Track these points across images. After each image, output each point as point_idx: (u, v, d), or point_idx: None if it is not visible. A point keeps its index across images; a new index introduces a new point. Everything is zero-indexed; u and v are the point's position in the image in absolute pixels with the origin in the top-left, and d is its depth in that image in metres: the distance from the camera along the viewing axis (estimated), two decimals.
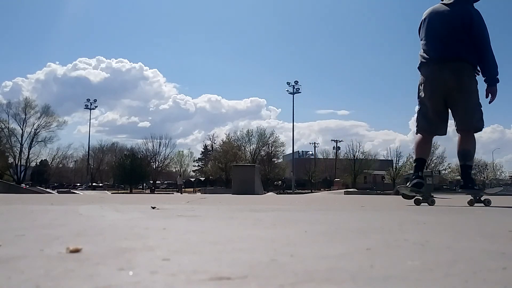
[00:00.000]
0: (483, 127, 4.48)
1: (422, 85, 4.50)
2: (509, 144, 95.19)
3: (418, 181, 4.38)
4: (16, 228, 1.55)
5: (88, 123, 70.97)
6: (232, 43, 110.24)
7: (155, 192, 50.09)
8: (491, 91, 4.36)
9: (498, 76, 4.37)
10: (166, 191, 55.11)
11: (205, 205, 3.65)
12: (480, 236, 1.50)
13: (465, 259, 1.00)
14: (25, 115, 55.95)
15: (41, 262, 0.88)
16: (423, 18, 4.65)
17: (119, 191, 51.54)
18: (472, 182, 4.41)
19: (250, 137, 62.04)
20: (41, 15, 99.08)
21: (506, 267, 0.89)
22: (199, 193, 28.36)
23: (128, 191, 55.17)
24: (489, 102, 4.38)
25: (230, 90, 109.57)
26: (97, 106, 60.62)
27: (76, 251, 0.99)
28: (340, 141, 67.42)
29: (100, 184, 66.39)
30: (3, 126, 55.27)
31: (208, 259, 0.95)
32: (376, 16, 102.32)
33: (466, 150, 4.39)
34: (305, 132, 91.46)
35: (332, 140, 67.68)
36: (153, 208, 2.83)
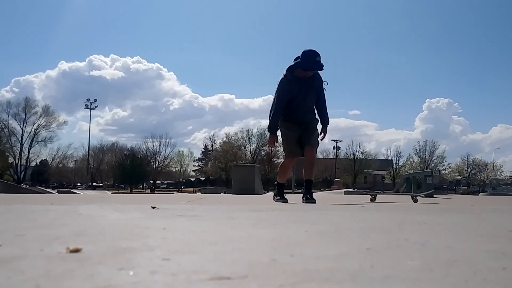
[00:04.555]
0: None
1: None
2: None
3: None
4: (16, 228, 1.55)
5: (91, 122, 71.20)
6: (249, 42, 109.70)
7: (155, 192, 50.07)
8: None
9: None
10: (166, 191, 55.08)
11: (205, 205, 3.65)
12: (480, 236, 1.50)
13: (465, 259, 1.00)
14: (25, 114, 55.89)
15: (41, 262, 0.88)
16: None
17: (119, 191, 51.51)
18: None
19: (250, 137, 62.02)
20: (45, 15, 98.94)
21: (506, 267, 0.89)
22: (199, 193, 28.34)
23: (128, 191, 55.13)
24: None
25: (245, 89, 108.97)
26: (97, 106, 60.53)
27: (76, 251, 0.99)
28: (340, 141, 67.36)
29: (100, 184, 66.38)
30: (3, 126, 55.21)
31: (208, 259, 0.95)
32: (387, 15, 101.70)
33: None
34: None
35: (332, 140, 67.49)
36: (153, 208, 2.83)
